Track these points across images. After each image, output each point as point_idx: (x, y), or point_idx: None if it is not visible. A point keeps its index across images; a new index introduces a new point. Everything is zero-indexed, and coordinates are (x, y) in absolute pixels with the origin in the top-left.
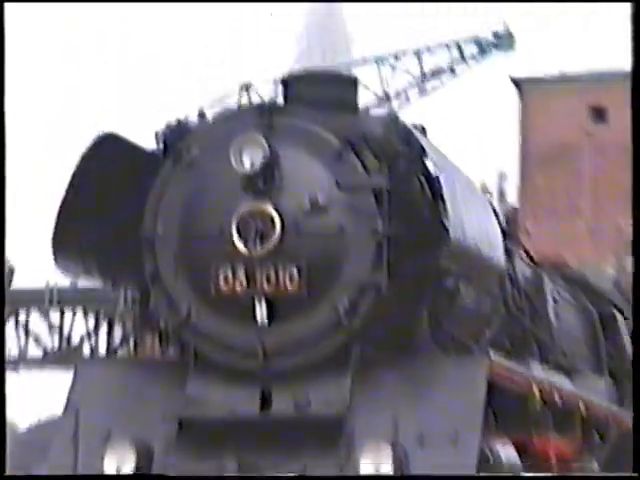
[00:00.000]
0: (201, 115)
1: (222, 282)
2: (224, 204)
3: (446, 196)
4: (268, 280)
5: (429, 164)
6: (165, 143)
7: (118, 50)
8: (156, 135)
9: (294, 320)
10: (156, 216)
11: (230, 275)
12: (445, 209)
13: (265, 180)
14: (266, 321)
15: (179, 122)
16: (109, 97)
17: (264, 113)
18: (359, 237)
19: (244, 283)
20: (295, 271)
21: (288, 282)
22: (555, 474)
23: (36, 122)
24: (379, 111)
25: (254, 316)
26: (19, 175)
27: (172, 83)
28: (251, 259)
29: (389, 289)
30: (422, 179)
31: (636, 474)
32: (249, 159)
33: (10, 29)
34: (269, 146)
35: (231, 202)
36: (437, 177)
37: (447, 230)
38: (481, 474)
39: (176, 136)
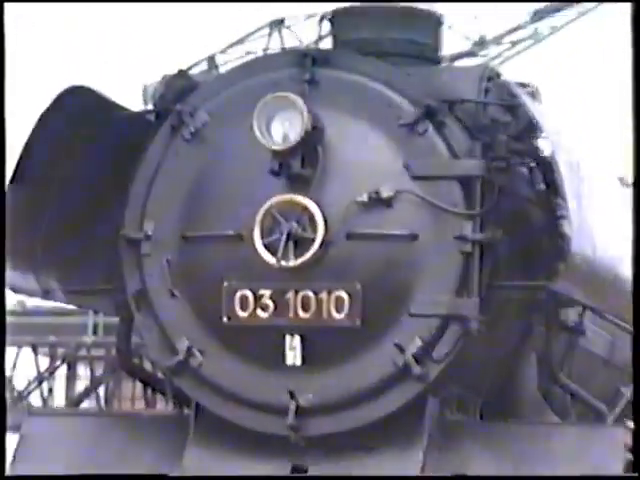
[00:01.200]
0: (212, 63)
1: (238, 307)
2: (244, 194)
3: (567, 190)
4: (304, 306)
5: (543, 143)
6: (159, 102)
7: (118, 50)
8: (145, 90)
9: (342, 364)
10: (143, 209)
11: (250, 297)
12: (565, 208)
13: (303, 160)
14: (301, 364)
15: (181, 73)
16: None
17: (303, 63)
18: (438, 246)
19: (270, 309)
20: (344, 294)
21: (333, 309)
22: (556, 475)
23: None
24: (471, 63)
25: (284, 357)
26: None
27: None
28: (281, 275)
29: (481, 323)
30: (532, 164)
31: (636, 474)
32: (281, 130)
33: (10, 29)
34: (309, 111)
35: (254, 191)
36: (554, 162)
37: (567, 239)
38: (478, 474)
39: (176, 93)
